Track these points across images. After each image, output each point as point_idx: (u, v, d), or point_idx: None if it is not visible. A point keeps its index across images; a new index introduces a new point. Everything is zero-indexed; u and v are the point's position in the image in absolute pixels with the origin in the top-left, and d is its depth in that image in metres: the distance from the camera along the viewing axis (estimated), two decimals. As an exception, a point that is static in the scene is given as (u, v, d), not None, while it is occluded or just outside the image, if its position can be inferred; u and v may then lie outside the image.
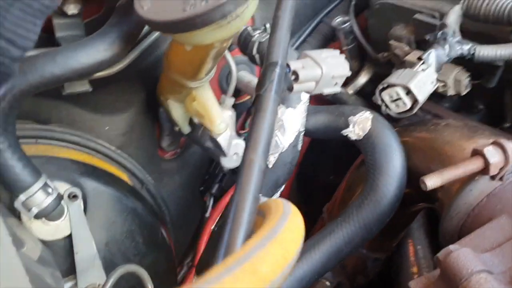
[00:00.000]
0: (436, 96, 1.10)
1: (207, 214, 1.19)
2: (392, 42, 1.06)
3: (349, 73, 0.66)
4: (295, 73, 0.58)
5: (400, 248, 1.09)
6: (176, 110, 0.94)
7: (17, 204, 0.64)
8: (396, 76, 0.69)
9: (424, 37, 0.94)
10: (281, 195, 1.39)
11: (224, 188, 1.19)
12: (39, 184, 0.65)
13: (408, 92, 0.67)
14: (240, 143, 0.96)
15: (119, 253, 0.79)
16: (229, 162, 0.96)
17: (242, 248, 0.38)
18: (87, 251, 0.72)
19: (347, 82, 1.32)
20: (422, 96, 0.67)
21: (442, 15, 0.93)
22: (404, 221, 0.97)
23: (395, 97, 0.69)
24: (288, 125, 0.91)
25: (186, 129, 0.98)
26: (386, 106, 0.70)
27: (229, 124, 0.92)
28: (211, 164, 1.21)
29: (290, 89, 0.60)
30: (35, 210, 0.65)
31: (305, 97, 0.91)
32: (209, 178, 1.20)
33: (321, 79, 0.61)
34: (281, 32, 0.57)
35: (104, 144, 0.89)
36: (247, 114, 1.25)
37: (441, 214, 0.79)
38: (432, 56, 0.73)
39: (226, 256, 0.41)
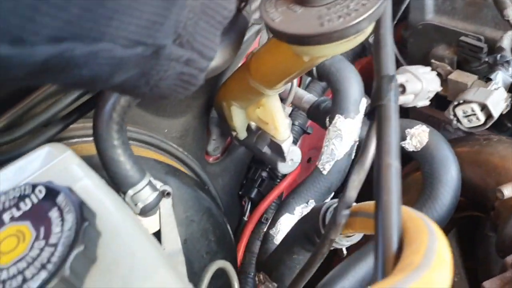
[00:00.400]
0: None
1: (245, 218, 1.22)
2: (433, 61, 1.13)
3: (440, 89, 0.72)
4: (402, 86, 0.64)
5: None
6: (238, 116, 0.98)
7: (127, 200, 0.66)
8: (472, 93, 0.75)
9: (468, 58, 1.01)
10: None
11: (263, 193, 1.23)
12: (145, 180, 0.67)
13: (483, 108, 0.74)
14: (295, 150, 1.01)
15: (195, 251, 0.82)
16: (285, 167, 1.01)
17: (418, 242, 0.42)
18: (173, 247, 0.75)
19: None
20: (496, 112, 0.74)
21: (486, 39, 1.00)
22: (449, 227, 1.04)
23: (469, 113, 0.75)
24: (345, 135, 0.96)
25: (243, 134, 1.02)
26: (458, 120, 0.76)
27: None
28: (250, 169, 1.25)
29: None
30: (140, 206, 0.67)
31: (363, 109, 0.97)
32: (247, 182, 1.24)
33: (420, 92, 0.66)
34: (388, 47, 0.63)
35: (173, 145, 0.92)
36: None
37: (496, 222, 0.86)
38: (500, 76, 0.79)
39: (384, 262, 0.45)
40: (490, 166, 0.88)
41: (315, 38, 0.55)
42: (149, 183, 0.68)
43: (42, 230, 0.45)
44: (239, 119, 0.98)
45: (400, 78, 0.65)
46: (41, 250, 0.43)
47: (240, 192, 1.24)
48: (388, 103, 0.57)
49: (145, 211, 0.68)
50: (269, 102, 0.90)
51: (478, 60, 1.00)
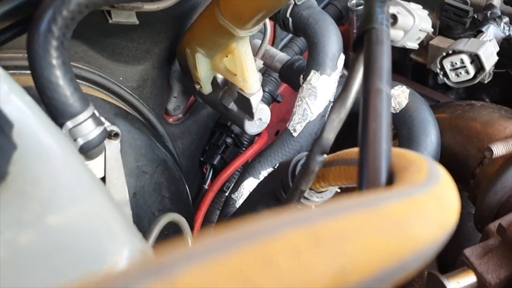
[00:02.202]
0: (442, 88, 1.12)
1: (206, 186, 1.13)
2: (415, 27, 1.06)
3: (432, 30, 0.64)
4: (394, 16, 0.56)
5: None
6: (203, 66, 0.88)
7: (64, 133, 0.56)
8: (463, 44, 0.68)
9: (451, 23, 0.95)
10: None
11: (226, 160, 1.14)
12: (88, 112, 0.57)
13: (472, 61, 0.67)
14: (265, 109, 0.92)
15: (145, 206, 0.72)
16: (253, 127, 0.92)
17: (412, 172, 0.34)
18: (119, 198, 0.65)
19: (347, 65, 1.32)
20: (488, 65, 0.67)
21: (472, 3, 0.94)
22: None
23: (457, 65, 0.68)
24: (320, 93, 0.88)
25: (207, 88, 0.92)
26: (445, 74, 0.69)
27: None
28: (214, 134, 1.16)
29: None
30: (80, 142, 0.57)
31: (340, 65, 0.89)
32: (210, 148, 1.14)
33: (411, 29, 0.59)
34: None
35: (128, 91, 0.81)
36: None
37: (474, 192, 0.79)
38: (491, 29, 0.73)
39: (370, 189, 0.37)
40: (472, 132, 0.81)
41: None
42: (93, 116, 0.58)
43: None
44: (204, 69, 0.89)
45: (392, 9, 0.57)
46: None
47: (201, 158, 1.14)
48: (380, 27, 0.49)
49: (87, 149, 0.58)
50: (239, 48, 0.81)
51: (462, 26, 0.94)
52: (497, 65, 0.96)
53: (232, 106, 0.90)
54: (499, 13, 0.79)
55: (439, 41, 0.97)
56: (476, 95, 1.14)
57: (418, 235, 0.26)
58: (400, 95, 0.86)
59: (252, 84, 0.84)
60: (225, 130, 1.13)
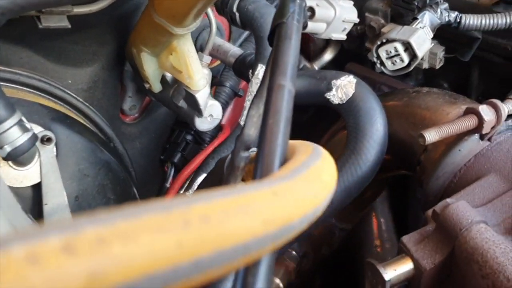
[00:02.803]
0: (400, 75, 1.12)
1: (167, 184, 1.13)
2: (367, 14, 1.06)
3: (357, 20, 0.64)
4: (311, 9, 0.56)
5: (363, 221, 1.10)
6: (150, 65, 0.88)
7: (-12, 140, 0.56)
8: (396, 32, 0.68)
9: (401, 10, 0.95)
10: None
11: (187, 158, 1.13)
12: (14, 119, 0.57)
13: (406, 48, 0.67)
14: (215, 105, 0.92)
15: (89, 209, 0.72)
16: (203, 123, 0.92)
17: (295, 160, 0.35)
18: (57, 202, 0.65)
19: (313, 57, 1.32)
20: (421, 52, 0.67)
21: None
22: (374, 190, 0.98)
23: (392, 54, 0.68)
24: (268, 87, 0.88)
25: (157, 86, 0.92)
26: (382, 63, 0.69)
27: (208, 82, 0.88)
28: (173, 132, 1.16)
29: (304, 26, 0.57)
30: (7, 149, 0.57)
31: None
32: (170, 146, 1.14)
33: (333, 21, 0.59)
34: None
35: (72, 94, 0.81)
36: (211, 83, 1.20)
37: (421, 178, 0.80)
38: (426, 16, 0.73)
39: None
40: (418, 118, 0.82)
41: None
42: (19, 123, 0.58)
43: None
44: (151, 68, 0.89)
45: (310, 1, 0.57)
46: None
47: (162, 157, 1.14)
48: (290, 22, 0.49)
49: (15, 156, 0.58)
50: (181, 45, 0.81)
51: (411, 12, 0.94)
52: (447, 51, 0.97)
53: (182, 103, 0.90)
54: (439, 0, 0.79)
55: (390, 29, 0.97)
56: (434, 81, 1.14)
57: (327, 183, 0.30)
58: (346, 85, 0.86)
59: (197, 81, 0.84)
60: (184, 127, 1.13)
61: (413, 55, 0.67)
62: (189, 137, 1.14)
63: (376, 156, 0.82)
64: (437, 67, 0.97)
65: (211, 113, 0.91)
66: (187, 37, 0.80)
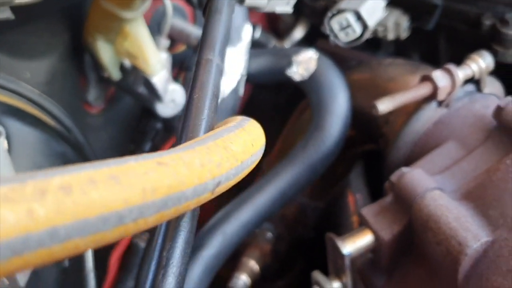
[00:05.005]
0: (371, 46, 1.10)
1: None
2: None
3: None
4: (248, -18, 0.54)
5: (339, 199, 1.09)
6: (106, 53, 0.86)
7: None
8: (347, 2, 0.66)
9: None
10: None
11: (157, 146, 1.12)
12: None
13: (358, 18, 0.65)
14: (177, 89, 0.90)
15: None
16: (165, 109, 0.90)
17: (212, 131, 0.34)
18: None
19: (283, 35, 1.30)
20: (372, 21, 0.66)
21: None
22: (345, 166, 0.97)
23: (344, 25, 0.66)
24: (229, 68, 0.87)
25: (116, 74, 0.90)
26: (335, 35, 0.67)
27: (166, 66, 0.86)
28: (141, 121, 1.14)
29: (241, 0, 0.55)
30: None
31: (246, 37, 0.87)
32: (139, 135, 1.12)
33: (273, -7, 0.57)
34: None
35: (27, 87, 0.79)
36: (179, 69, 1.18)
37: (385, 150, 0.79)
38: (378, -15, 0.71)
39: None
40: (379, 90, 0.80)
41: None
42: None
43: None
44: (107, 56, 0.87)
45: (247, -26, 0.55)
46: None
47: (131, 146, 1.12)
48: (220, -2, 0.47)
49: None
50: (133, 30, 0.79)
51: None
52: (412, 20, 0.95)
53: (142, 90, 0.89)
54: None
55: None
56: (405, 52, 1.13)
57: (237, 153, 0.32)
58: (307, 61, 0.85)
59: (153, 65, 0.82)
60: (153, 115, 1.11)
61: (364, 25, 0.65)
62: (158, 125, 1.13)
63: (340, 131, 0.81)
64: (403, 37, 0.96)
65: (173, 98, 0.90)
66: (139, 21, 0.78)
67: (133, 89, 0.90)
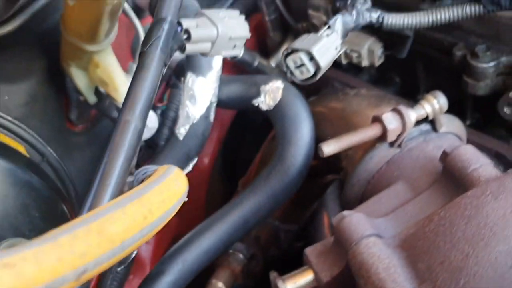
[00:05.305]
0: (354, 69, 1.11)
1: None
2: (310, 11, 1.05)
3: (248, 35, 0.64)
4: (187, 32, 0.55)
5: (314, 220, 1.10)
6: (80, 78, 0.89)
7: None
8: (300, 41, 0.67)
9: (341, 7, 0.93)
10: (203, 173, 1.37)
11: (139, 163, 1.14)
12: None
13: (312, 58, 0.66)
14: (149, 114, 0.92)
15: (12, 228, 0.73)
16: (138, 133, 0.92)
17: (95, 209, 0.36)
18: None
19: (269, 54, 1.30)
20: (324, 61, 0.66)
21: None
22: (315, 193, 0.98)
23: (299, 63, 0.67)
24: (199, 95, 0.89)
25: (91, 98, 0.93)
26: (291, 72, 0.68)
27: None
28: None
29: (182, 49, 0.57)
30: None
31: (216, 65, 0.88)
32: (123, 152, 1.15)
33: (217, 39, 0.58)
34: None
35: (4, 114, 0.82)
36: (166, 85, 1.21)
37: (344, 183, 0.80)
38: (339, 22, 0.72)
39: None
40: (341, 123, 0.81)
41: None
42: None
43: None
44: (82, 82, 0.89)
45: (188, 23, 0.57)
46: None
47: (115, 163, 1.15)
48: (150, 50, 0.49)
49: None
50: (102, 60, 0.81)
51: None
52: (386, 48, 0.96)
53: (115, 114, 0.91)
54: (361, 0, 0.77)
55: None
56: (387, 75, 1.13)
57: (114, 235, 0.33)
58: (274, 91, 0.86)
59: (122, 93, 0.84)
60: (136, 133, 1.14)
61: (317, 65, 0.66)
62: (142, 143, 1.15)
63: (302, 162, 0.82)
64: (377, 64, 0.96)
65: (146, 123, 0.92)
66: (107, 51, 0.80)
67: (108, 113, 0.92)
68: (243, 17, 0.63)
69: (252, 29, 1.34)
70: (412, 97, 1.12)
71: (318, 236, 1.12)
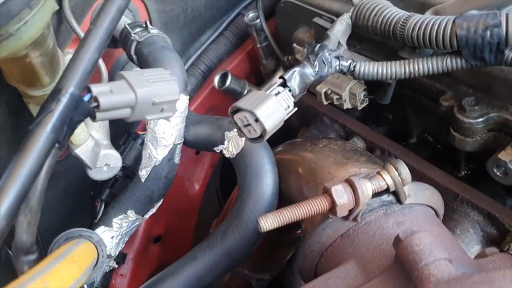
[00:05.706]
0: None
1: (96, 220, 1.10)
2: (295, 45, 0.98)
3: (178, 98, 0.57)
4: (96, 99, 0.49)
5: (291, 266, 1.03)
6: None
7: None
8: (247, 100, 0.60)
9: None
10: (193, 200, 1.32)
11: (115, 193, 1.10)
12: None
13: (257, 119, 0.59)
14: (111, 154, 0.88)
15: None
16: (98, 173, 0.88)
17: None
18: None
19: (263, 81, 1.24)
20: (270, 124, 0.58)
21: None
22: (285, 244, 0.91)
23: (245, 122, 0.60)
24: (161, 137, 0.83)
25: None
26: (240, 130, 0.61)
27: (100, 133, 0.84)
28: (103, 167, 1.12)
29: (93, 117, 0.51)
30: None
31: (181, 107, 0.82)
32: (99, 183, 1.11)
33: (137, 105, 0.52)
34: (85, 51, 0.49)
35: None
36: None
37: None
38: (296, 76, 0.64)
39: None
40: (305, 178, 0.74)
41: None
42: None
43: None
44: (42, 118, 0.85)
45: (100, 89, 0.50)
46: None
47: (92, 193, 1.11)
48: (36, 129, 0.44)
49: None
50: (54, 101, 0.77)
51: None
52: (369, 93, 0.87)
53: (75, 153, 0.86)
54: (330, 47, 0.69)
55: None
56: (379, 113, 1.04)
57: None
58: (237, 138, 0.79)
59: (76, 135, 0.80)
60: (113, 163, 1.10)
61: (263, 128, 0.58)
62: (118, 173, 1.11)
63: (262, 218, 0.75)
64: (360, 107, 0.87)
65: (107, 163, 0.87)
66: (58, 92, 0.76)
67: (70, 152, 0.88)
68: (172, 77, 0.57)
69: (247, 55, 1.29)
70: (405, 138, 1.03)
71: (295, 282, 1.05)
